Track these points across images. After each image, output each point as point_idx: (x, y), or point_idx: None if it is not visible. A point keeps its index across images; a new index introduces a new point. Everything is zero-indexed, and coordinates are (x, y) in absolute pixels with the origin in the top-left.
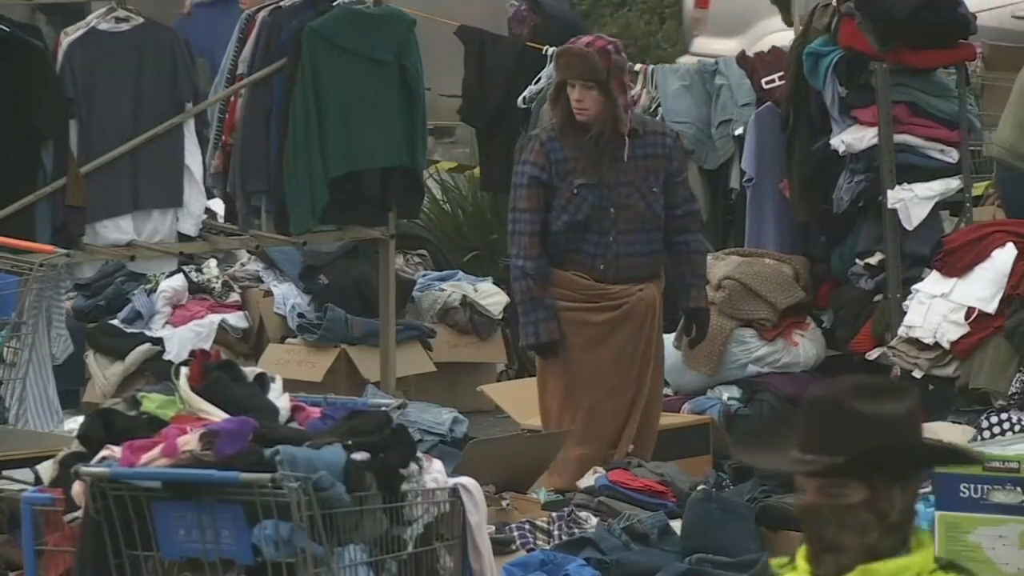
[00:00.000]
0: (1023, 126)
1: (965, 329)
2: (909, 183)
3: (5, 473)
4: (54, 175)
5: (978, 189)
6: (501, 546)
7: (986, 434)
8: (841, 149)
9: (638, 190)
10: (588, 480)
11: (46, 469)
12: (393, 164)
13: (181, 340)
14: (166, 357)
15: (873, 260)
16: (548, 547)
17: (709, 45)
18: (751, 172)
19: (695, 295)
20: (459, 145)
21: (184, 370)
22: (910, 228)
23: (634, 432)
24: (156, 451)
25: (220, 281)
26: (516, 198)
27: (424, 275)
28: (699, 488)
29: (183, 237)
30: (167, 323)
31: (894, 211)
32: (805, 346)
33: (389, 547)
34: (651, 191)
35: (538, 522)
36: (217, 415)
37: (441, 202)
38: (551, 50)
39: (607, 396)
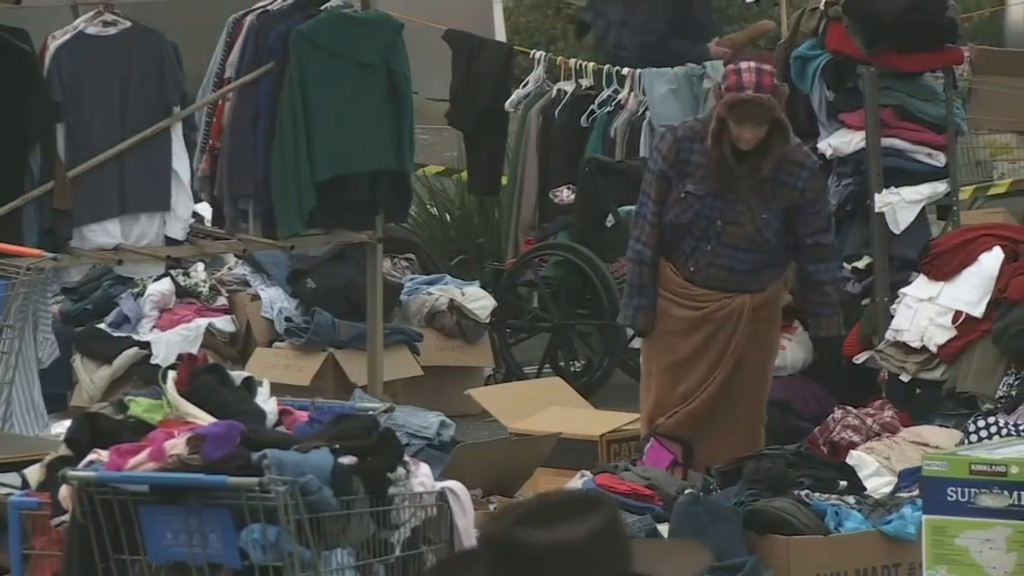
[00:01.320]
0: None
1: (952, 332)
2: (896, 187)
3: None
4: (41, 179)
5: (965, 192)
6: None
7: (973, 437)
8: (829, 153)
9: (751, 211)
10: (575, 484)
11: (33, 473)
12: (380, 168)
13: (168, 344)
14: (153, 361)
15: (861, 264)
16: None
17: None
18: None
19: (824, 323)
20: (447, 149)
21: (171, 374)
22: (897, 232)
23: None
24: (143, 455)
25: (207, 285)
26: (647, 182)
27: (411, 279)
28: (686, 492)
29: (170, 241)
30: (154, 327)
31: (882, 215)
32: (792, 349)
33: (376, 551)
34: (762, 216)
35: None
36: (204, 419)
37: (428, 206)
38: (539, 54)
39: (676, 387)
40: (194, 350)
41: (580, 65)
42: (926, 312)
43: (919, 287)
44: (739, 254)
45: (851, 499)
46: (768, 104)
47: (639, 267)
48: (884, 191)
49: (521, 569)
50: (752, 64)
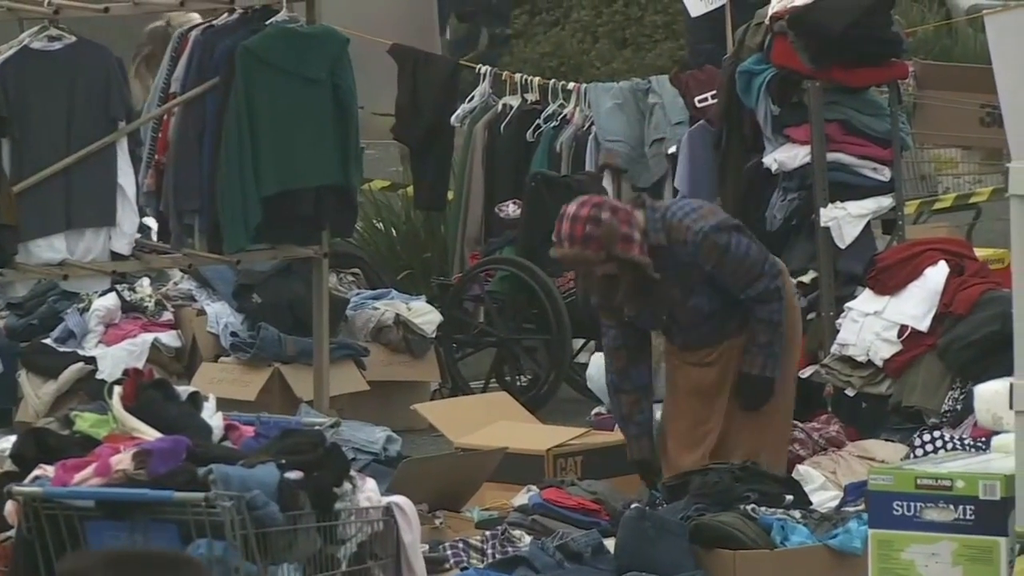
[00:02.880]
0: None
1: (898, 347)
2: (842, 201)
3: None
4: None
5: (911, 207)
6: (435, 565)
7: (919, 452)
8: (774, 167)
9: (683, 302)
10: (521, 498)
11: None
12: (326, 183)
13: (114, 359)
14: (99, 376)
15: (806, 278)
16: (482, 566)
17: None
18: (684, 190)
19: (747, 360)
20: (393, 164)
21: (117, 389)
22: (843, 246)
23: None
24: (89, 470)
25: (153, 300)
26: (600, 313)
27: (357, 294)
28: (632, 506)
29: (116, 256)
30: (100, 342)
31: (827, 229)
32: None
33: (323, 566)
34: (693, 301)
35: (472, 540)
36: (150, 434)
37: (374, 221)
38: (484, 69)
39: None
40: (140, 365)
41: (525, 80)
42: (872, 326)
43: (865, 301)
44: (701, 325)
45: (797, 513)
46: (580, 258)
47: (615, 397)
48: (829, 205)
49: None
50: (572, 209)
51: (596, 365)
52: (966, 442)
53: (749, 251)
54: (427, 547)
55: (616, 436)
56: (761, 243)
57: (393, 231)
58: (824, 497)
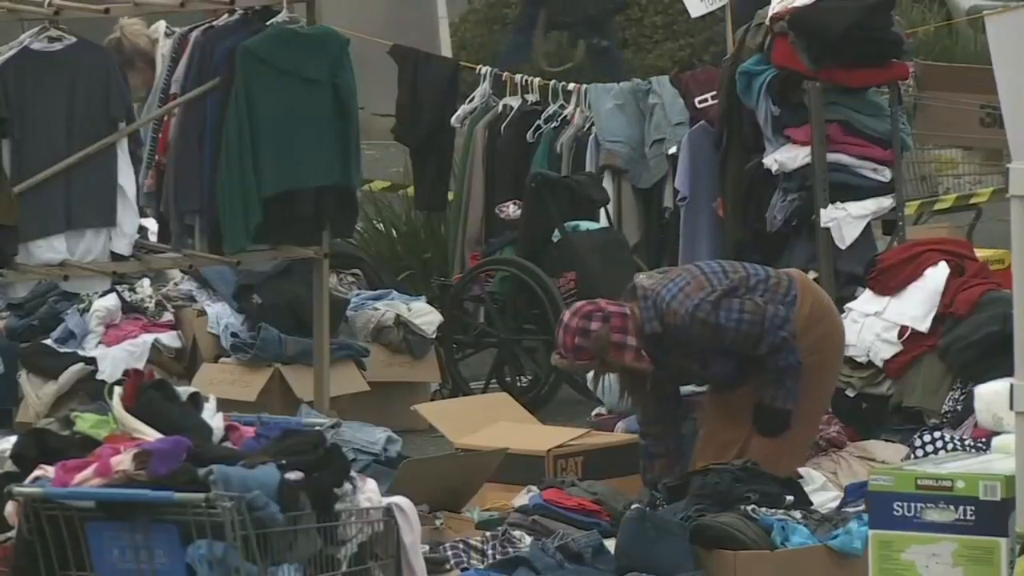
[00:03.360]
0: None
1: (898, 347)
2: (842, 202)
3: None
4: None
5: (911, 208)
6: (435, 566)
7: (919, 452)
8: (774, 168)
9: (699, 366)
10: (522, 499)
11: None
12: (327, 183)
13: (114, 360)
14: (99, 377)
15: None
16: (482, 566)
17: None
18: (685, 191)
19: (764, 392)
20: (393, 164)
21: (117, 390)
22: (843, 247)
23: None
24: (89, 471)
25: (153, 300)
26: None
27: (358, 294)
28: (633, 507)
29: (116, 256)
30: (100, 343)
31: (827, 230)
32: None
33: (323, 567)
34: (706, 361)
35: (472, 541)
36: (151, 435)
37: (375, 221)
38: (485, 69)
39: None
40: (140, 366)
41: (526, 80)
42: (872, 327)
43: (865, 302)
44: (729, 378)
45: (797, 514)
46: (573, 368)
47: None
48: (830, 206)
49: None
50: (565, 318)
51: None
52: (967, 443)
53: (742, 317)
54: (427, 548)
55: (617, 437)
56: (755, 242)
57: (393, 232)
58: (824, 498)
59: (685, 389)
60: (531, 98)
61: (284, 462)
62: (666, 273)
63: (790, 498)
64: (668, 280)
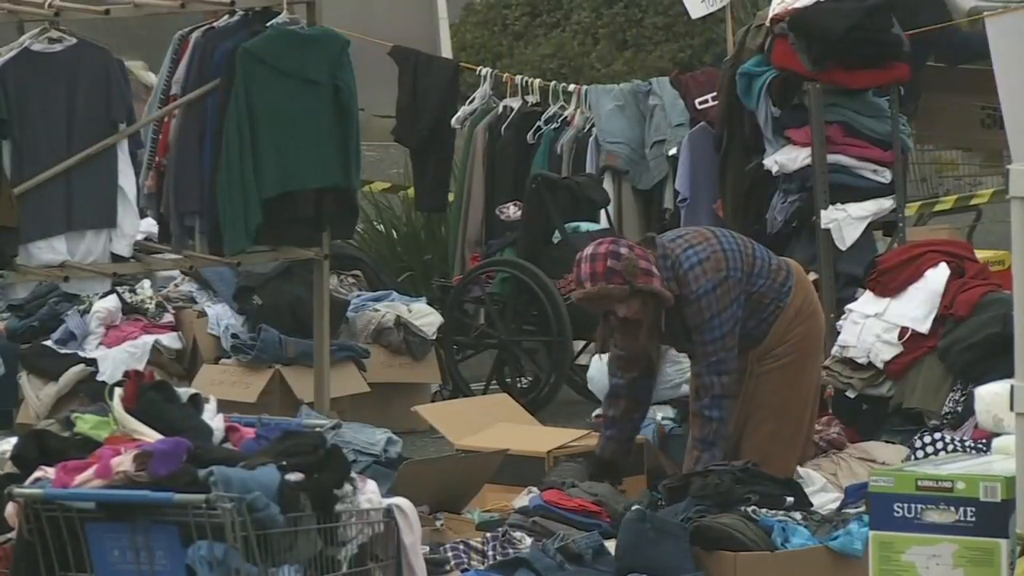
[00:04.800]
0: None
1: (899, 349)
2: (842, 203)
3: None
4: None
5: (911, 209)
6: (435, 567)
7: (920, 453)
8: (774, 169)
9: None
10: (522, 500)
11: None
12: (327, 184)
13: (115, 361)
14: (100, 378)
15: None
16: (483, 567)
17: None
18: (685, 192)
19: (687, 458)
20: (393, 165)
21: (118, 391)
22: (843, 248)
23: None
24: (90, 472)
25: (154, 302)
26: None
27: (358, 295)
28: (633, 508)
29: (117, 258)
30: (101, 344)
31: (827, 231)
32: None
33: (323, 568)
34: (732, 323)
35: (472, 542)
36: (151, 436)
37: (375, 222)
38: (485, 71)
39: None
40: (140, 367)
41: (526, 82)
42: (872, 328)
43: (865, 303)
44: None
45: (798, 515)
46: (603, 293)
47: (606, 400)
48: (830, 208)
49: None
50: (588, 251)
51: (596, 367)
52: (967, 444)
53: (724, 333)
54: (428, 549)
55: None
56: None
57: (394, 233)
58: (825, 499)
59: (680, 391)
60: (531, 99)
61: (284, 463)
62: (683, 236)
63: (790, 499)
64: (688, 245)
